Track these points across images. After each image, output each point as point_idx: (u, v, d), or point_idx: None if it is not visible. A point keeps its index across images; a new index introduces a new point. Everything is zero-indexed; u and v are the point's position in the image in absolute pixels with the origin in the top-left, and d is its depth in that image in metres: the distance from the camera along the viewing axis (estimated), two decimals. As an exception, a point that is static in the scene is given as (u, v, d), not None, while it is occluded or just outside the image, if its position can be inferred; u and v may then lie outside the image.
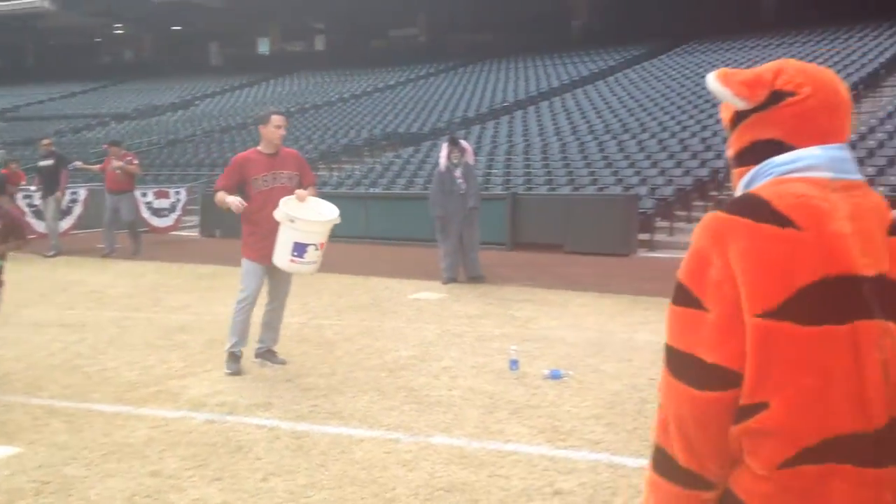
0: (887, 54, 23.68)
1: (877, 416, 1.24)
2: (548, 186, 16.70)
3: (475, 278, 10.22)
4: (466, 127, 24.87)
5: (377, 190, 18.12)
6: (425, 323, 7.78)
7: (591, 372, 5.83)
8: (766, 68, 1.49)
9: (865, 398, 1.24)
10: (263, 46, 48.73)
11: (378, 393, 5.38)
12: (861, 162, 14.70)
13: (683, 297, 1.40)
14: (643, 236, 13.87)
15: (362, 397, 5.29)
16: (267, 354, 6.15)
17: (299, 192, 5.78)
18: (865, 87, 21.27)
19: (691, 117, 20.86)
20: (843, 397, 1.24)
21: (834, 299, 1.25)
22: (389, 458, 4.21)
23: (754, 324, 1.27)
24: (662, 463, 1.44)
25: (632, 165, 17.61)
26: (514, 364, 5.85)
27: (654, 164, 17.46)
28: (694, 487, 1.39)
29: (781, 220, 1.30)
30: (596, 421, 4.76)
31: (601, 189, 15.93)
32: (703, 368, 1.32)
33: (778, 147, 1.42)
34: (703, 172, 16.43)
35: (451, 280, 10.20)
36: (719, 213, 1.41)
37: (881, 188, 13.11)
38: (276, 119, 5.89)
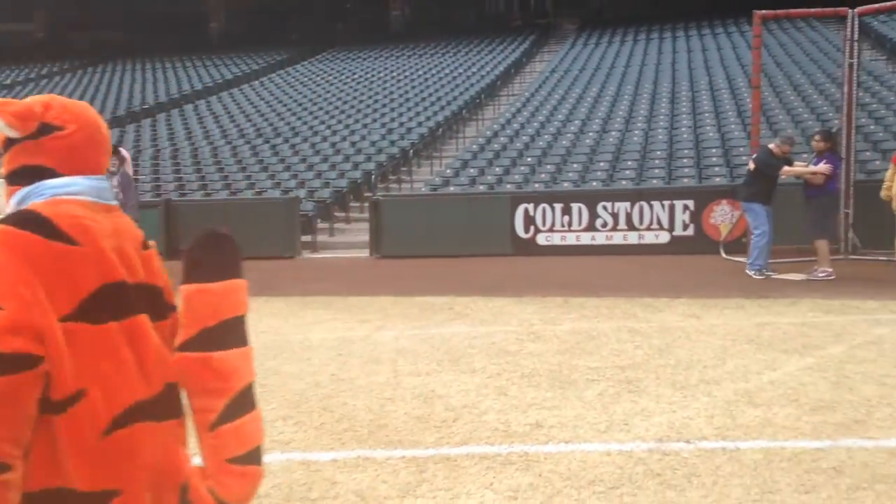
0: (501, 67, 26.71)
1: (155, 384, 1.62)
2: (203, 192, 16.19)
3: None
4: (103, 131, 23.10)
5: (2, 202, 16.06)
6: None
7: (272, 374, 5.82)
8: (36, 101, 1.63)
9: (147, 372, 1.60)
10: None
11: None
12: (489, 163, 16.46)
13: None
14: (305, 238, 14.13)
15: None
16: None
17: None
18: (486, 96, 23.78)
19: (340, 122, 21.62)
20: (132, 374, 1.57)
21: (112, 301, 1.55)
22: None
23: (61, 327, 1.49)
24: None
25: (287, 169, 17.78)
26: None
27: (310, 168, 17.83)
28: None
29: (65, 238, 1.51)
30: (284, 422, 4.78)
31: (259, 193, 15.87)
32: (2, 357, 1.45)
33: (46, 172, 1.60)
34: (357, 175, 17.15)
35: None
36: (9, 228, 1.53)
37: (509, 185, 14.81)
38: None
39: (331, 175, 17.19)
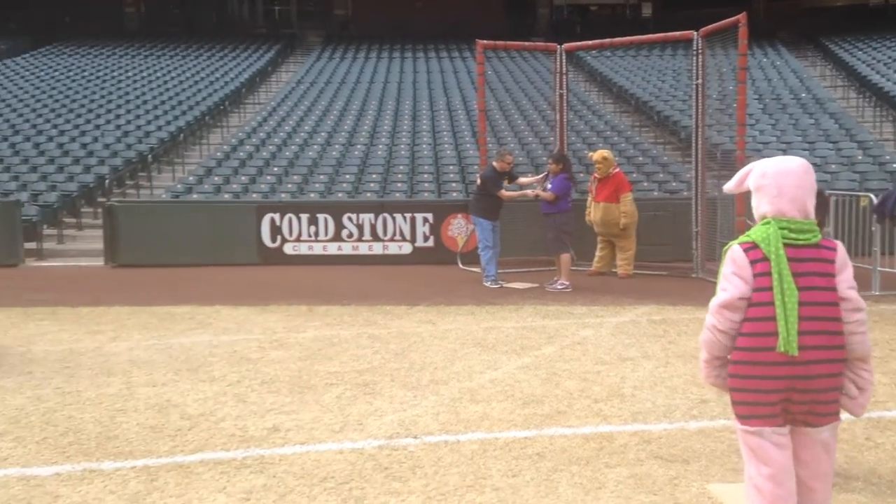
0: (246, 75, 26.21)
1: None
2: None
3: None
4: None
5: None
6: None
7: (-18, 390, 5.40)
8: None
9: None
10: None
11: None
12: (235, 172, 16.19)
13: None
14: (30, 245, 13.04)
15: None
16: None
17: None
18: (230, 103, 23.21)
19: (67, 121, 20.05)
20: None
21: None
22: None
23: None
24: None
25: (7, 170, 16.25)
26: None
27: (34, 169, 16.41)
28: None
29: None
30: (1, 438, 4.49)
31: (-29, 195, 14.37)
32: None
33: None
34: (89, 178, 16.04)
35: None
36: None
37: (255, 195, 14.63)
38: None
39: (58, 178, 15.92)
